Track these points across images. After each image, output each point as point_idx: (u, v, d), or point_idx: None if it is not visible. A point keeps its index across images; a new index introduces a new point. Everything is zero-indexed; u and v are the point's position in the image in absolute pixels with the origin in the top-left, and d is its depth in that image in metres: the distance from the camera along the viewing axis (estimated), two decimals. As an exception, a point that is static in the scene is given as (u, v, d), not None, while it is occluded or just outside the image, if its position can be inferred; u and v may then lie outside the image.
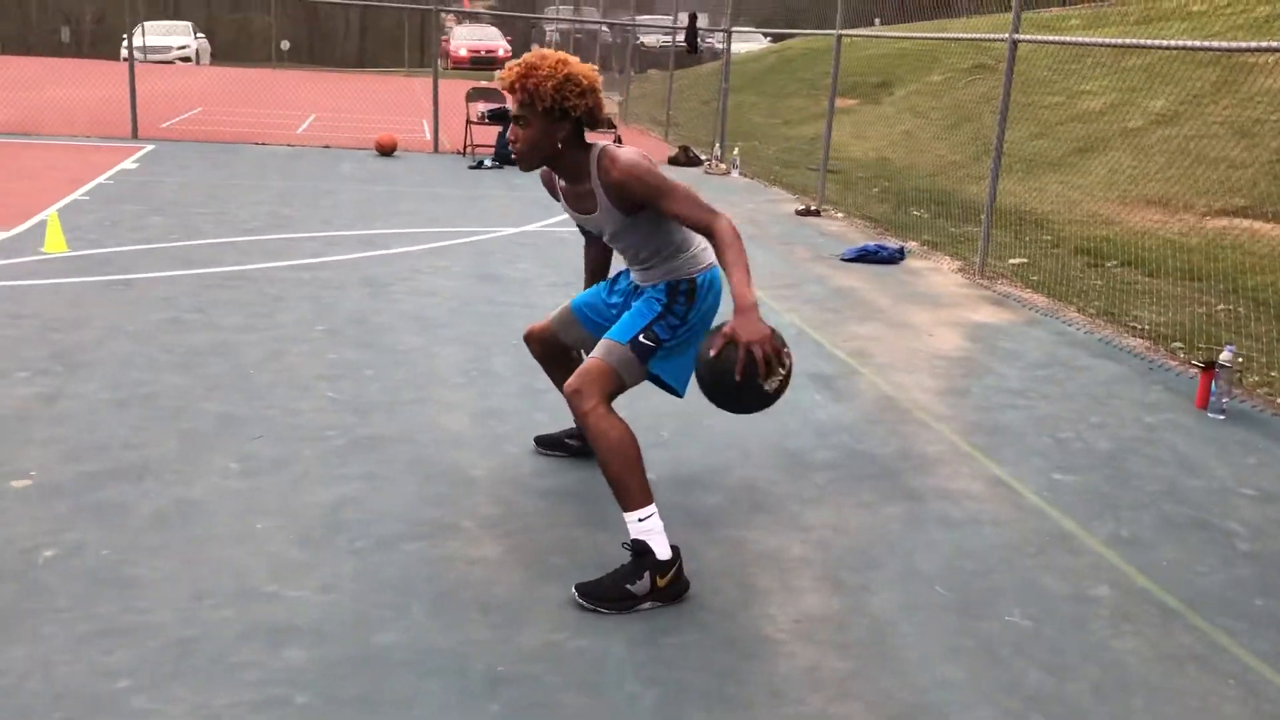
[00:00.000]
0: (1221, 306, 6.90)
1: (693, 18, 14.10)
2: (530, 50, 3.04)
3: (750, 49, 28.18)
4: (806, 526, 3.49)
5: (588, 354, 3.46)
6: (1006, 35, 7.31)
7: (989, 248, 7.80)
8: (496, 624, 2.80)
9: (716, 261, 3.26)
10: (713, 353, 2.75)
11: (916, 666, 2.73)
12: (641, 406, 4.46)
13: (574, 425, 3.93)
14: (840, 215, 10.25)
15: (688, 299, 3.19)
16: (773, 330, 2.77)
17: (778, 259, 7.88)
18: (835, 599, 3.04)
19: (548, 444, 3.94)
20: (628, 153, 2.99)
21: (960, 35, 9.01)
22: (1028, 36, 7.38)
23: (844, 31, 10.44)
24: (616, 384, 3.05)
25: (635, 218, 3.09)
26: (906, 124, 17.56)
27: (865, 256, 8.05)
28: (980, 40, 8.44)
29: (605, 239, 3.25)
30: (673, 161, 13.66)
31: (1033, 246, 8.86)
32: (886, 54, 21.24)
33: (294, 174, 10.68)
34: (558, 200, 3.33)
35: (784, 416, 4.49)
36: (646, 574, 2.91)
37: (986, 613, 3.02)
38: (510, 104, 2.99)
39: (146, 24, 31.58)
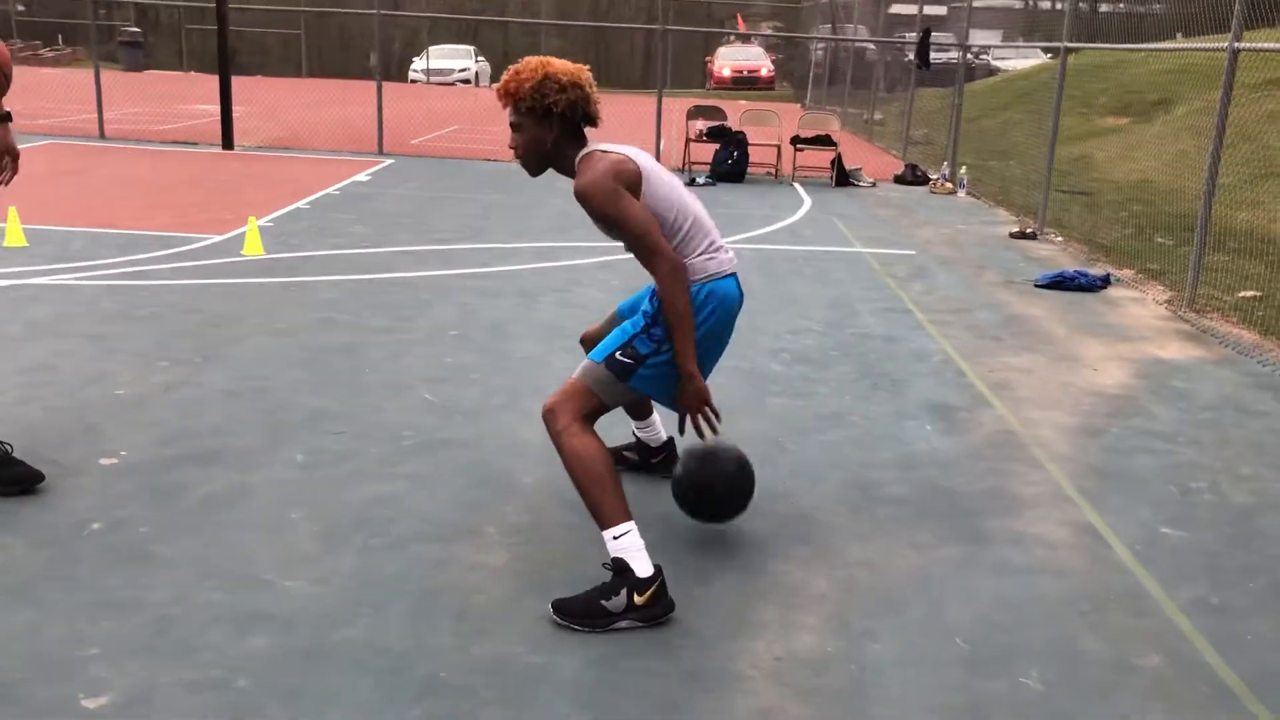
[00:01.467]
0: None
1: (925, 32, 13.61)
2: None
3: (1025, 65, 26.92)
4: (842, 563, 3.27)
5: None
6: (1227, 45, 6.63)
7: (1210, 278, 7.09)
8: (462, 631, 2.78)
9: (726, 269, 3.12)
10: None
11: (883, 722, 2.50)
12: (731, 431, 4.32)
13: (632, 441, 3.88)
14: (1058, 239, 9.60)
15: None
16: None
17: (959, 282, 7.47)
18: (832, 641, 2.83)
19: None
20: (592, 173, 2.90)
21: (1174, 46, 8.23)
22: (1249, 45, 6.66)
23: (1071, 44, 9.78)
24: (592, 403, 2.97)
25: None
26: (1183, 144, 16.25)
27: (1061, 283, 7.50)
28: (1198, 50, 7.69)
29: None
30: (898, 180, 13.24)
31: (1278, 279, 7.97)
32: (1171, 70, 19.76)
33: (508, 189, 11.11)
34: None
35: (879, 446, 4.24)
36: (624, 591, 2.82)
37: (998, 671, 2.72)
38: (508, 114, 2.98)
39: (432, 48, 33.89)
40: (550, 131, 2.97)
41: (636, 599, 2.82)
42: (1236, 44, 6.58)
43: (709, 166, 12.49)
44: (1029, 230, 9.78)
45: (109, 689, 2.46)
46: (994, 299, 7.02)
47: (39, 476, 3.44)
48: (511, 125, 3.00)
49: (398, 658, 2.65)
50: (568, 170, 3.03)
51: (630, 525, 2.85)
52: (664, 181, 3.07)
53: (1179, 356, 5.79)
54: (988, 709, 2.56)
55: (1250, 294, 7.56)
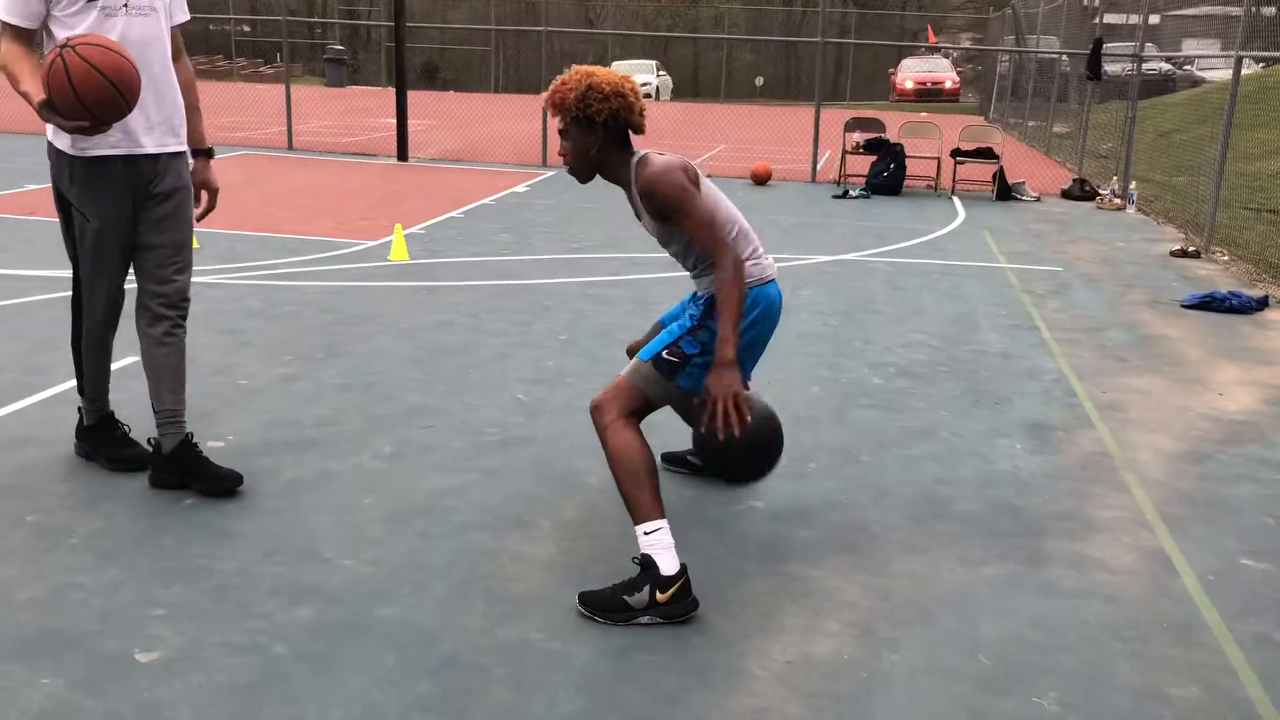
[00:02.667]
0: None
1: (1097, 42, 13.10)
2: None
3: (1225, 76, 25.43)
4: (884, 573, 3.27)
5: None
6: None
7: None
8: (492, 615, 2.93)
9: (769, 274, 3.19)
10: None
11: (879, 729, 2.51)
12: (806, 440, 4.36)
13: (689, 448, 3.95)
14: (1225, 258, 9.10)
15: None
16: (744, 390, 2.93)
17: (1100, 300, 7.20)
18: (852, 648, 2.85)
19: (673, 460, 3.99)
20: (659, 162, 3.03)
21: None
22: None
23: (1245, 53, 9.27)
24: (638, 401, 3.07)
25: (671, 225, 3.10)
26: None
27: (1211, 303, 7.13)
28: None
29: (661, 244, 3.28)
30: (1065, 194, 12.79)
31: None
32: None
33: (659, 199, 11.28)
34: None
35: (961, 462, 4.18)
36: (647, 588, 2.91)
37: (1015, 690, 2.68)
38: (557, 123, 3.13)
39: (615, 63, 34.60)
40: (595, 139, 3.08)
41: (659, 596, 2.90)
42: None
43: (864, 179, 12.37)
44: (1192, 248, 9.31)
45: (162, 645, 2.72)
46: (1133, 319, 6.74)
47: (235, 478, 3.61)
48: (560, 133, 3.13)
49: (425, 635, 2.81)
50: (616, 175, 3.14)
51: (662, 523, 2.94)
52: (712, 188, 3.18)
53: (1322, 384, 5.45)
54: (991, 725, 2.54)
55: None
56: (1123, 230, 10.56)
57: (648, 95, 34.82)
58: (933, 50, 37.51)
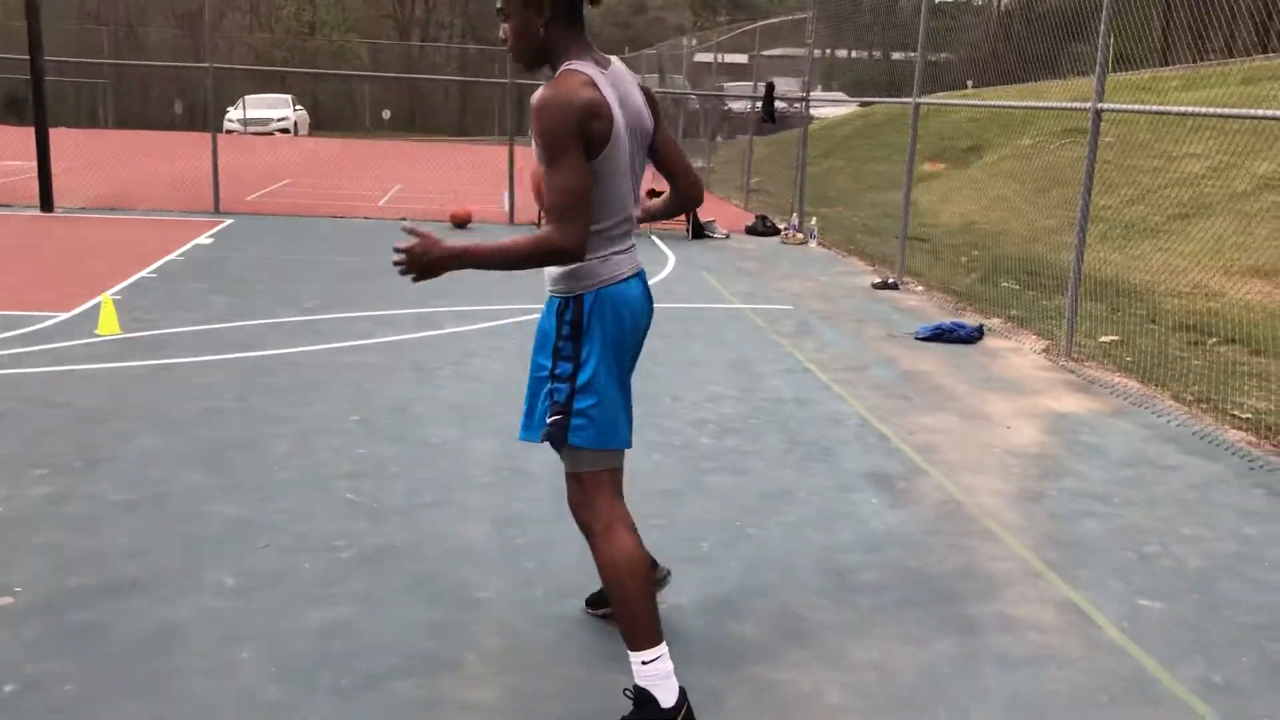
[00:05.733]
0: (1335, 394, 6.33)
1: (769, 87, 13.87)
2: None
3: (837, 113, 27.87)
4: (847, 665, 3.11)
5: None
6: (1090, 104, 6.90)
7: (1077, 324, 7.33)
8: (476, 788, 2.48)
9: (626, 273, 2.76)
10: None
11: None
12: (681, 514, 4.14)
13: None
14: (920, 289, 9.84)
15: (574, 328, 2.67)
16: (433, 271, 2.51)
17: (846, 338, 7.51)
18: (869, 761, 2.66)
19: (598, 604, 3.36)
20: (565, 86, 2.50)
21: (1044, 104, 8.59)
22: (1112, 105, 6.96)
23: (922, 99, 10.10)
24: (600, 479, 2.69)
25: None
26: (999, 189, 17.05)
27: (941, 335, 7.63)
28: (1064, 109, 8.02)
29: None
30: (750, 230, 13.38)
31: (1127, 321, 8.35)
32: (977, 118, 20.78)
33: (365, 249, 10.66)
34: None
35: (836, 525, 4.12)
36: None
37: (1046, 783, 2.60)
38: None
39: (248, 97, 32.67)
40: (540, 16, 2.57)
41: None
42: (1099, 104, 6.86)
43: (566, 221, 12.31)
44: (890, 280, 9.99)
45: None
46: (884, 354, 7.07)
47: None
48: (497, 11, 2.64)
49: (415, 831, 2.33)
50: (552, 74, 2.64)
51: (662, 649, 2.62)
52: (623, 160, 2.62)
53: (1077, 410, 5.92)
54: (1054, 830, 2.43)
55: (1110, 338, 7.88)
56: (818, 264, 11.16)
57: (285, 131, 33.20)
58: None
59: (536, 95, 2.51)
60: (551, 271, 2.71)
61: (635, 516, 2.80)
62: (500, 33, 2.66)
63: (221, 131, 30.71)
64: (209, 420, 5.01)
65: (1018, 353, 7.34)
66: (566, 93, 2.48)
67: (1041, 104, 8.80)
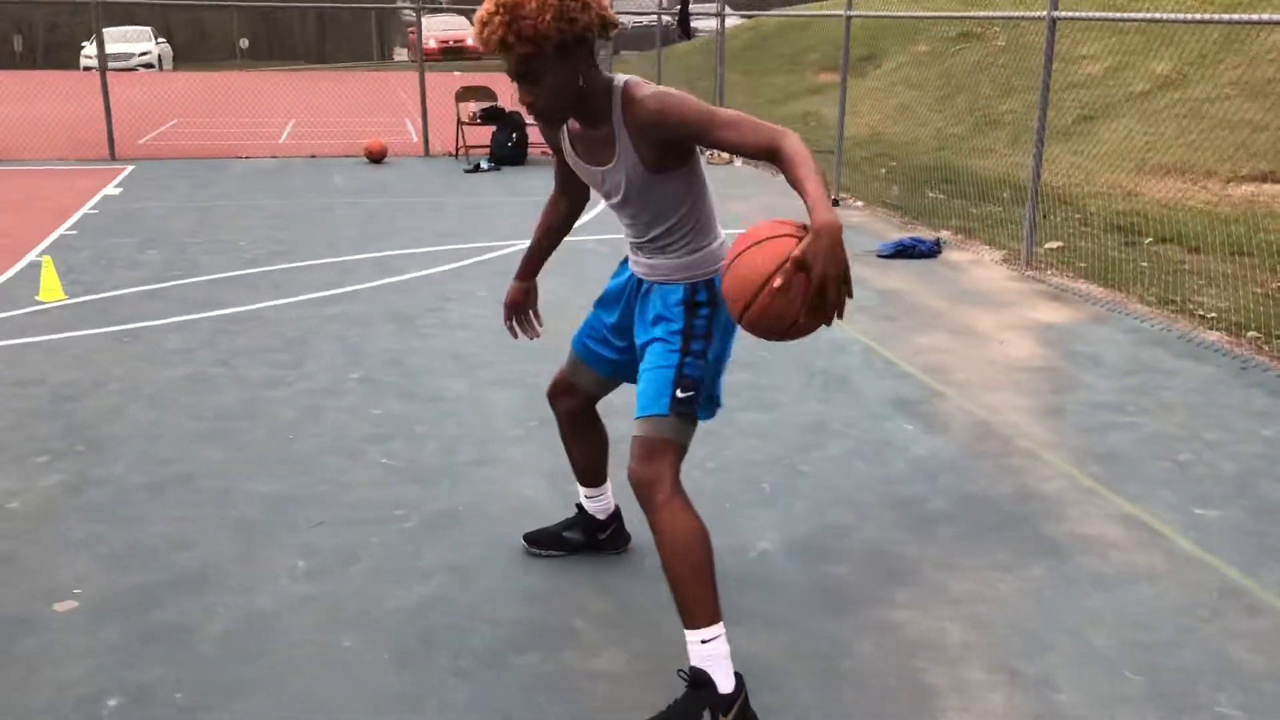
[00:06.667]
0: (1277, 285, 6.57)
1: (684, 2, 13.63)
2: None
3: (710, 25, 27.61)
4: (954, 599, 3.11)
5: (601, 396, 3.05)
6: (1045, 14, 6.92)
7: (1012, 231, 7.44)
8: (647, 764, 2.41)
9: None
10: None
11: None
12: (729, 456, 4.08)
13: (572, 515, 3.35)
14: (859, 204, 9.87)
15: (710, 308, 2.62)
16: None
17: (813, 260, 7.48)
18: (1019, 698, 2.66)
19: (543, 542, 3.31)
20: (653, 86, 2.44)
21: (996, 14, 8.57)
22: (1069, 14, 7.00)
23: (853, 13, 10.02)
24: (680, 457, 2.58)
25: (662, 176, 2.51)
26: (899, 97, 17.16)
27: (903, 251, 7.68)
28: (1019, 18, 8.04)
29: (614, 202, 2.62)
30: (671, 152, 13.21)
31: (1063, 226, 8.51)
32: (868, 26, 20.83)
33: (285, 191, 10.19)
34: (560, 150, 2.73)
35: (883, 455, 4.11)
36: (706, 715, 2.45)
37: (1189, 703, 2.65)
38: (508, 65, 2.38)
39: (106, 30, 30.75)
40: (582, 63, 2.39)
41: None
42: (1054, 13, 6.88)
43: (488, 150, 11.98)
44: (832, 197, 9.98)
45: None
46: (856, 275, 7.04)
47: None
48: (521, 77, 2.38)
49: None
50: (589, 111, 2.48)
51: (721, 628, 2.48)
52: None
53: (1059, 320, 6.03)
54: (1215, 750, 2.48)
55: (1055, 244, 8.04)
56: (751, 184, 11.10)
57: (148, 66, 31.48)
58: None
59: (647, 102, 2.39)
60: (677, 261, 2.65)
61: (686, 461, 2.68)
62: (522, 96, 2.45)
63: (80, 69, 28.97)
64: (197, 390, 4.73)
65: (979, 264, 7.43)
66: (656, 86, 2.44)
67: (994, 13, 8.79)
